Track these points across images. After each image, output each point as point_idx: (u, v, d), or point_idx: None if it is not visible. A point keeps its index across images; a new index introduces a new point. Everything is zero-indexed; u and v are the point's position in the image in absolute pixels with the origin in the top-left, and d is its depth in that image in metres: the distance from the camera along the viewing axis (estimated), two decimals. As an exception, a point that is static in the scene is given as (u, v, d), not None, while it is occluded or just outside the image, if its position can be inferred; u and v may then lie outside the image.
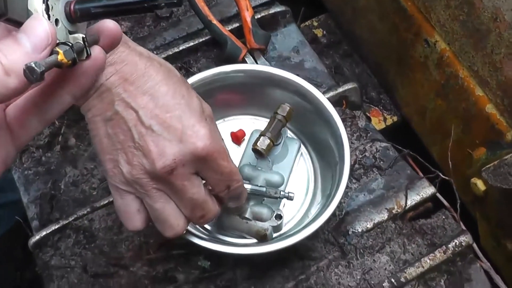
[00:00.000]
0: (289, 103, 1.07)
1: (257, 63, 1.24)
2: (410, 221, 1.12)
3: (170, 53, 1.26)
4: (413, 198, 1.13)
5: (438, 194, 1.16)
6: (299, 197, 1.12)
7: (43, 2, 0.60)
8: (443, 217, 1.12)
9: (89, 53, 0.64)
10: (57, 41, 0.61)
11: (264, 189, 1.03)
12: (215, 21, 1.25)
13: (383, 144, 1.20)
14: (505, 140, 1.12)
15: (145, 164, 0.84)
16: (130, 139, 0.85)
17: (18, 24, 0.59)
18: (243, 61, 1.25)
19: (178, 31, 1.34)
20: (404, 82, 1.37)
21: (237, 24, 1.31)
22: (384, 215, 1.11)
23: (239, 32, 1.28)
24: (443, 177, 1.15)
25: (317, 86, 1.18)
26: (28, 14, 0.59)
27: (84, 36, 0.63)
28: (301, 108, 1.10)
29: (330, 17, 1.56)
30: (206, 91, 1.09)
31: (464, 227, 1.13)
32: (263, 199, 1.06)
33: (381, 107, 1.44)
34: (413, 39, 1.27)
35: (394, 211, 1.11)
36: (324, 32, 1.55)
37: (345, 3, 1.47)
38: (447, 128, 1.24)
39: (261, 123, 1.16)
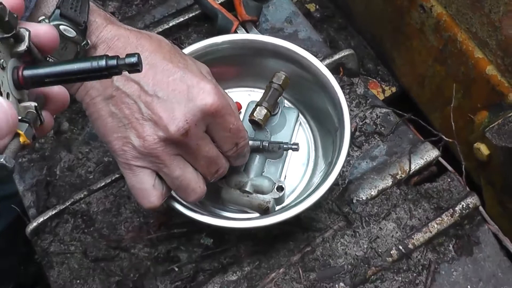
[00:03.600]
0: (285, 72, 1.04)
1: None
2: (415, 185, 1.10)
3: (160, 30, 1.23)
4: (417, 162, 1.10)
5: (441, 159, 1.13)
6: (300, 167, 1.09)
7: None
8: (449, 180, 1.10)
9: (42, 120, 0.61)
10: None
11: (266, 143, 1.01)
12: (204, -5, 1.22)
13: (384, 110, 1.18)
14: (507, 101, 1.10)
15: (158, 132, 0.83)
16: (137, 111, 0.83)
17: None
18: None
19: (167, 8, 1.31)
20: (401, 51, 1.35)
21: (228, -4, 1.28)
22: (388, 182, 1.08)
23: (229, 5, 1.25)
24: (446, 139, 1.12)
25: (313, 55, 1.16)
26: None
27: (36, 105, 0.59)
28: (297, 76, 1.07)
29: (322, -10, 1.54)
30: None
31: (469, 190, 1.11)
32: (263, 171, 1.03)
33: (379, 79, 1.42)
34: (408, 5, 1.25)
35: (398, 177, 1.09)
36: (317, 7, 1.52)
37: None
38: (447, 94, 1.22)
39: (257, 94, 1.13)
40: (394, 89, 1.40)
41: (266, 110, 1.01)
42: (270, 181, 1.01)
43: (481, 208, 1.08)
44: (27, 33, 0.59)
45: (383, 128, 1.16)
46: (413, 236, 1.02)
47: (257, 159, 1.03)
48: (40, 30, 0.62)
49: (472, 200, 1.05)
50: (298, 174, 1.08)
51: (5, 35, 0.56)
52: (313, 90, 1.07)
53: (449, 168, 1.14)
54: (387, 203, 1.06)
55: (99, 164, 1.14)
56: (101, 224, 1.07)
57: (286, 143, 1.02)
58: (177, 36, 1.25)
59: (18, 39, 0.58)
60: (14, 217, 1.52)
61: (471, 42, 1.14)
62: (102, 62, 0.58)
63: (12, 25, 0.56)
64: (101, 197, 1.09)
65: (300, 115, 1.11)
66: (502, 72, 1.10)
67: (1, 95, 0.55)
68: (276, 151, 1.03)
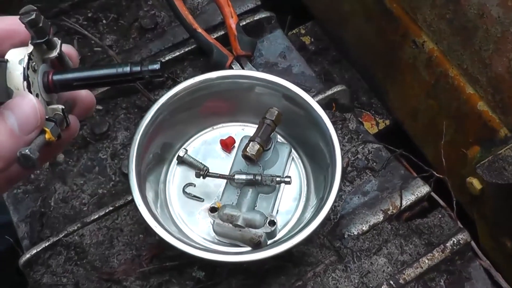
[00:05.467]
0: (278, 107, 1.06)
1: (244, 70, 1.23)
2: (406, 221, 1.10)
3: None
4: (408, 198, 1.11)
5: (433, 193, 1.14)
6: (292, 202, 1.10)
7: (24, 79, 0.57)
8: (440, 216, 1.10)
9: (68, 123, 0.63)
10: None
11: (259, 177, 1.03)
12: (200, 30, 1.24)
13: (375, 146, 1.19)
14: (498, 137, 1.11)
15: None
16: None
17: None
18: (230, 69, 1.23)
19: (164, 41, 1.32)
20: (394, 84, 1.36)
21: (222, 32, 1.29)
22: (380, 217, 1.09)
23: (224, 40, 1.27)
24: (437, 175, 1.13)
25: (306, 91, 1.16)
26: (8, 91, 0.57)
27: (63, 107, 0.62)
28: (290, 112, 1.08)
29: (317, 24, 1.55)
30: (192, 100, 1.09)
31: (461, 225, 1.11)
32: (255, 206, 1.04)
33: (373, 111, 1.42)
34: (401, 40, 1.26)
35: (389, 212, 1.09)
36: (312, 39, 1.54)
37: (331, 8, 1.46)
38: (440, 129, 1.23)
39: (251, 129, 1.14)
40: (388, 122, 1.40)
41: (258, 146, 1.02)
42: (262, 216, 1.01)
43: (473, 243, 1.09)
44: (59, 41, 0.62)
45: (374, 164, 1.17)
46: (404, 272, 1.02)
47: (249, 193, 1.04)
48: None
49: (463, 236, 1.06)
50: (290, 209, 1.09)
51: (39, 41, 0.59)
52: (305, 126, 1.08)
53: (441, 202, 1.14)
54: (378, 238, 1.07)
55: (93, 196, 1.15)
56: (94, 256, 1.08)
57: (279, 176, 1.03)
58: (173, 70, 1.27)
59: (51, 46, 0.62)
60: (6, 247, 1.51)
61: (463, 78, 1.15)
62: (127, 68, 0.61)
63: (46, 31, 0.60)
64: (94, 229, 1.10)
65: (292, 150, 1.12)
66: (493, 108, 1.10)
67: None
68: (269, 185, 1.04)
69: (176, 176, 1.12)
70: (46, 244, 1.08)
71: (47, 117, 0.59)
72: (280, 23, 1.41)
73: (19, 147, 0.55)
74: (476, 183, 1.11)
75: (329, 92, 1.21)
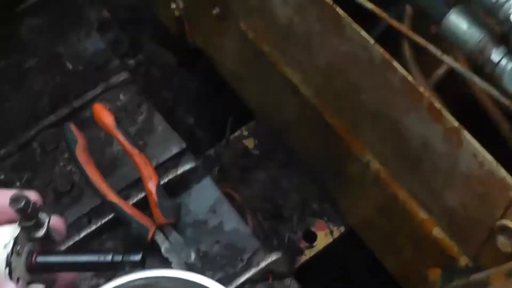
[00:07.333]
0: None
1: (168, 240, 1.10)
2: None
3: (71, 243, 1.11)
4: None
5: None
6: None
7: (7, 265, 0.58)
8: None
9: None
10: None
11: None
12: (115, 199, 1.10)
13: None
14: (458, 265, 0.99)
15: None
16: None
17: None
18: (153, 242, 1.10)
19: (80, 208, 1.18)
20: (345, 195, 1.26)
21: (143, 194, 1.16)
22: None
23: (146, 203, 1.13)
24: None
25: (240, 252, 1.06)
26: None
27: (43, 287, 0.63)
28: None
29: (261, 124, 1.44)
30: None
31: None
32: None
33: (326, 218, 1.34)
34: (346, 155, 1.14)
35: None
36: (256, 142, 1.45)
37: (274, 114, 1.36)
38: (397, 244, 1.13)
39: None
40: (342, 229, 1.31)
41: None
42: None
43: None
44: (47, 219, 0.63)
45: None
46: None
47: None
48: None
49: None
50: None
51: (27, 224, 0.60)
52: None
53: None
54: None
55: None
56: None
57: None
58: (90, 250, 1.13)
59: (38, 225, 0.62)
60: None
61: (414, 202, 1.03)
62: (108, 258, 0.62)
63: (35, 215, 0.61)
64: None
65: None
66: (450, 236, 0.98)
67: (11, 280, 0.58)
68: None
69: None
70: None
71: None
72: (223, 126, 1.32)
73: None
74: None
75: (263, 264, 1.08)
